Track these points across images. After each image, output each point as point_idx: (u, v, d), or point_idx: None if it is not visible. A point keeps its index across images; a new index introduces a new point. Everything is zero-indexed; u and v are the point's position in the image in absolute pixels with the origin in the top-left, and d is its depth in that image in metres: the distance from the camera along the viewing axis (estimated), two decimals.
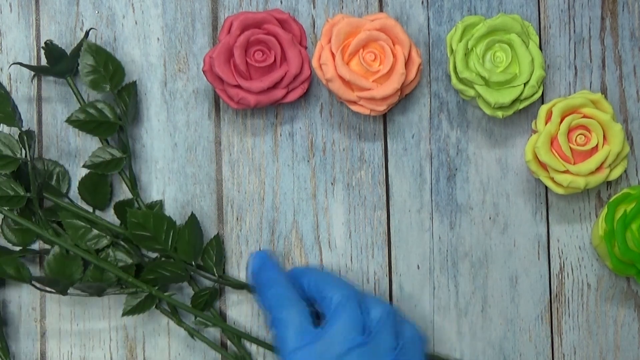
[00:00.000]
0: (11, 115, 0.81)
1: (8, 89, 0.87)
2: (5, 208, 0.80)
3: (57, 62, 0.83)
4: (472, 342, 0.86)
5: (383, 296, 0.86)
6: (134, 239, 0.81)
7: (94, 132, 0.82)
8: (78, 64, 0.83)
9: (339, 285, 0.77)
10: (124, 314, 0.82)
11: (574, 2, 0.87)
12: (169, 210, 0.86)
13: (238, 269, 0.86)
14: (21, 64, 0.83)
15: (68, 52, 0.84)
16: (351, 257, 0.86)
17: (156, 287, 0.81)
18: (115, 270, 0.81)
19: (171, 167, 0.86)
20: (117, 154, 0.83)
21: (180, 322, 0.84)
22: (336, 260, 0.86)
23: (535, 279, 0.86)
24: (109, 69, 0.83)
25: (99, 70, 0.83)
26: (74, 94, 0.84)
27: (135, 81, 0.85)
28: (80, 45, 0.83)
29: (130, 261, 0.82)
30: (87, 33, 0.84)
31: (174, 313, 0.84)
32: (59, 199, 0.83)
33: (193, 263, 0.82)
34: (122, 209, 0.83)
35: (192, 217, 0.83)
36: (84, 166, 0.83)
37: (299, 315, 0.75)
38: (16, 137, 0.81)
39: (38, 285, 0.80)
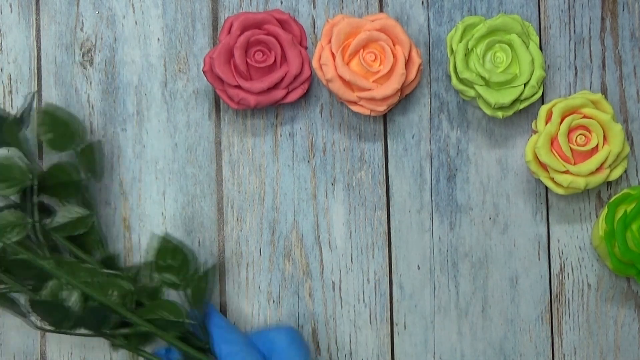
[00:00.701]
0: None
1: (8, 89, 0.87)
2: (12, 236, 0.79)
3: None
4: (473, 342, 0.86)
5: (383, 296, 0.86)
6: (156, 265, 0.80)
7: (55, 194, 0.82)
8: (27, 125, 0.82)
9: (280, 328, 0.82)
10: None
11: (574, 3, 0.87)
12: (170, 210, 0.86)
13: (238, 270, 0.86)
14: None
15: (69, 52, 0.85)
16: (351, 257, 0.86)
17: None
18: (119, 307, 0.79)
19: (171, 168, 0.86)
20: (83, 212, 0.82)
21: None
22: (336, 260, 0.86)
23: (536, 279, 0.86)
24: (68, 130, 0.82)
25: (57, 130, 0.82)
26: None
27: (100, 141, 0.84)
28: (29, 108, 0.82)
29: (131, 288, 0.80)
30: (31, 97, 0.82)
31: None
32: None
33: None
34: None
35: (213, 268, 0.82)
36: (48, 228, 0.81)
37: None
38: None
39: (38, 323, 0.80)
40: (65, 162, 0.82)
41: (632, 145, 0.86)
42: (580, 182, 0.82)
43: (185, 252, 0.80)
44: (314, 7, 0.87)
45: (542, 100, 0.86)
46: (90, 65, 0.87)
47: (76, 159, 0.82)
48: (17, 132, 0.81)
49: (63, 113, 0.82)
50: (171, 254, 0.80)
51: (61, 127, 0.82)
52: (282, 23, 0.85)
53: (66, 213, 0.81)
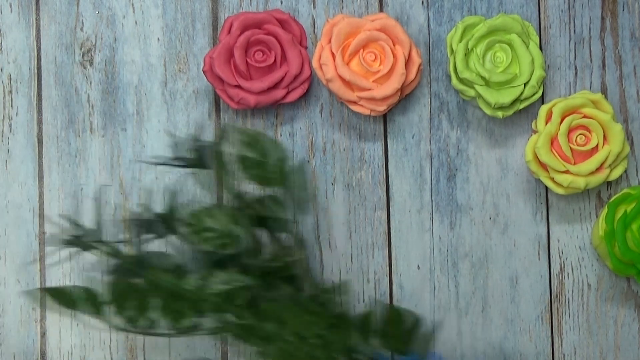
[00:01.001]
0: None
1: (8, 89, 0.87)
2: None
3: (200, 156, 0.75)
4: (473, 342, 0.86)
5: (383, 296, 0.86)
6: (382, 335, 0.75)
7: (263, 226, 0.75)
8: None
9: None
10: None
11: (574, 2, 0.87)
12: None
13: None
14: (163, 161, 0.78)
15: (69, 51, 0.85)
16: (351, 257, 0.86)
17: None
18: None
19: (171, 168, 0.86)
20: (297, 254, 0.75)
21: None
22: (336, 260, 0.86)
23: (536, 279, 0.86)
24: (270, 158, 0.74)
25: (262, 162, 0.74)
26: (223, 184, 0.77)
27: (303, 165, 0.76)
28: (225, 133, 0.75)
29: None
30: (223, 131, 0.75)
31: None
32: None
33: None
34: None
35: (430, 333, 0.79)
36: (264, 274, 0.73)
37: None
38: None
39: None
40: (268, 197, 0.75)
41: (632, 145, 0.86)
42: (580, 182, 0.82)
43: (408, 318, 0.76)
44: (314, 7, 0.87)
45: (542, 100, 0.86)
46: (90, 65, 0.87)
47: (281, 193, 0.76)
48: (223, 161, 0.74)
49: (264, 140, 0.74)
50: (396, 323, 0.75)
51: (264, 158, 0.74)
52: (282, 23, 0.85)
53: (277, 254, 0.75)
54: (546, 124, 0.83)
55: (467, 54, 0.83)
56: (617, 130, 0.82)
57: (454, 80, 0.83)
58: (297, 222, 0.75)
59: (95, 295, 0.73)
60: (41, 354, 0.86)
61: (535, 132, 0.84)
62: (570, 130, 0.83)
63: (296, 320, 0.72)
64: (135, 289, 0.72)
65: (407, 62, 0.83)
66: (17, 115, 0.87)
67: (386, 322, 0.74)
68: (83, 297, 0.72)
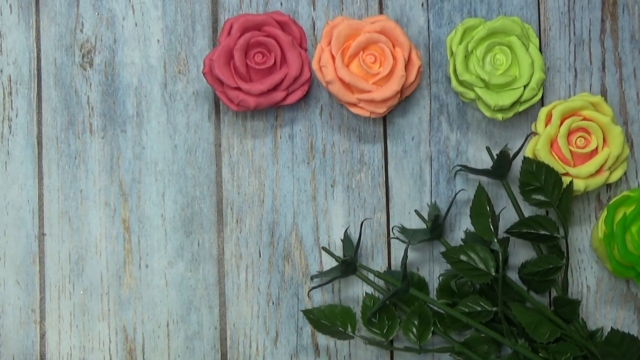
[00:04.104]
0: (489, 230, 0.80)
1: (8, 90, 0.87)
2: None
3: (500, 167, 0.82)
4: None
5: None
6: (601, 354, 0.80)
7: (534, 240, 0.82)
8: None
9: None
10: None
11: (574, 5, 0.87)
12: (169, 212, 0.86)
13: (237, 271, 0.86)
14: (466, 168, 0.83)
15: (69, 53, 0.85)
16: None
17: None
18: None
19: (171, 169, 0.86)
20: (556, 262, 0.82)
21: None
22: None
23: None
24: (548, 184, 0.81)
25: (540, 188, 0.81)
26: (509, 196, 0.83)
27: (570, 183, 0.81)
28: (518, 152, 0.82)
29: None
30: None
31: None
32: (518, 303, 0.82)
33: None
34: (565, 304, 0.82)
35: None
36: (522, 277, 0.83)
37: None
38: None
39: None
40: (540, 217, 0.82)
41: (631, 147, 0.86)
42: (580, 184, 0.82)
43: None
44: (314, 9, 0.87)
45: (541, 103, 0.86)
46: (90, 67, 0.87)
47: (554, 213, 0.84)
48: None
49: (542, 168, 0.81)
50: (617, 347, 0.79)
51: (547, 180, 0.81)
52: (281, 25, 0.85)
53: (538, 263, 0.82)
54: (546, 126, 0.83)
55: (467, 56, 0.83)
56: (616, 133, 0.82)
57: (454, 83, 0.83)
58: (565, 237, 0.81)
59: (352, 315, 0.82)
60: (40, 356, 0.86)
61: (535, 134, 0.84)
62: (569, 133, 0.83)
63: (536, 327, 0.80)
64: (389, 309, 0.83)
65: (407, 64, 0.83)
66: (16, 116, 0.87)
67: (612, 345, 0.79)
68: (339, 316, 0.82)
